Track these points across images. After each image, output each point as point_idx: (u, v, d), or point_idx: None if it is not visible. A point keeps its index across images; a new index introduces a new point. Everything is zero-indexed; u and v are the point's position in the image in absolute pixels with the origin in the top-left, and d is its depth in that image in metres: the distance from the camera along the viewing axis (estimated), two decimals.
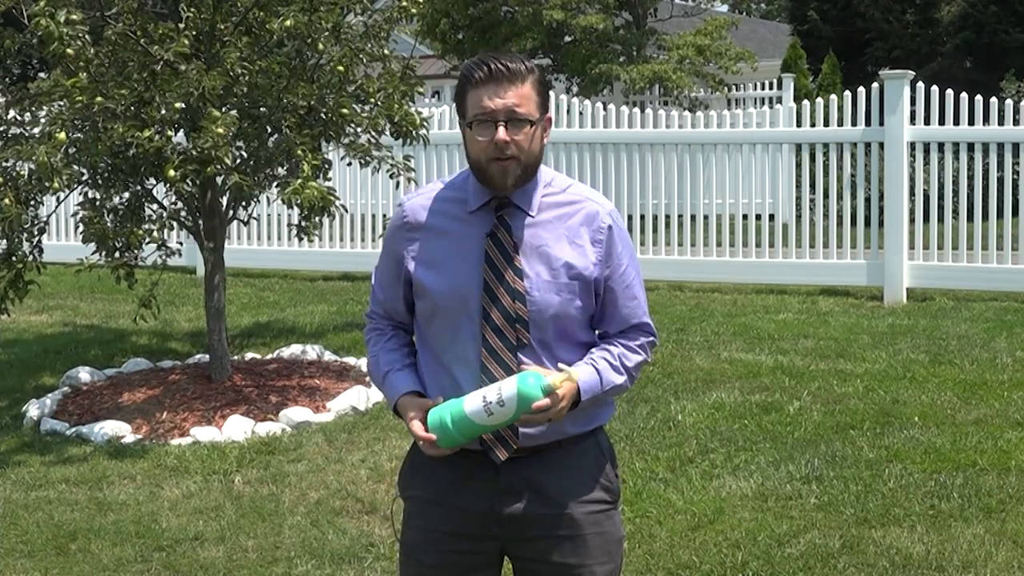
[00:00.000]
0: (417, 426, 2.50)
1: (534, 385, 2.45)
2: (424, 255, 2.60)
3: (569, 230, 2.59)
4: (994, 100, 9.84)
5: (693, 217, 10.58)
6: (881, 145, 10.06)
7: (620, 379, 2.61)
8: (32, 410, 6.74)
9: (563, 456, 2.60)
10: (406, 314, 2.70)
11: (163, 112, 6.01)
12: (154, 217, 6.59)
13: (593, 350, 2.63)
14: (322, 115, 6.58)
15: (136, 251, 6.29)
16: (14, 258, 6.30)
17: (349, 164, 7.18)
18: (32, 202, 6.33)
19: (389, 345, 2.70)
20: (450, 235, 2.59)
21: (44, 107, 6.52)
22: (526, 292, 2.54)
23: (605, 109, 11.01)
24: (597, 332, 2.68)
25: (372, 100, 6.87)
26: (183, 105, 5.96)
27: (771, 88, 19.66)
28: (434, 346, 2.61)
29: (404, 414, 2.57)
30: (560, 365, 2.53)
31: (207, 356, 7.25)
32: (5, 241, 6.28)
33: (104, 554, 4.75)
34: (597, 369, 2.58)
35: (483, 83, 2.50)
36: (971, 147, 9.77)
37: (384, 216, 8.32)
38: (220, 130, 5.85)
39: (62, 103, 6.22)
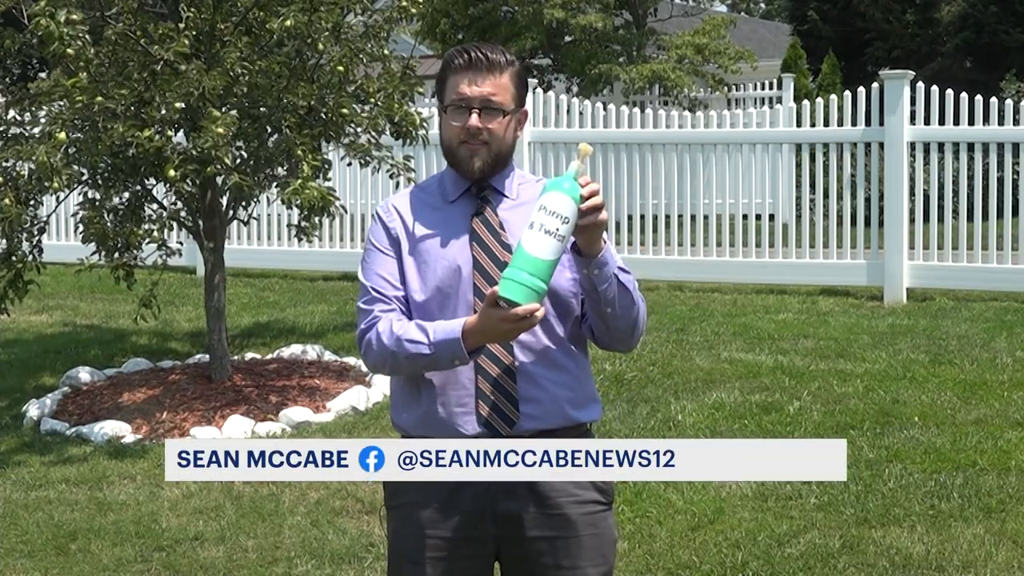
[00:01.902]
0: (511, 311, 2.37)
1: (570, 186, 2.39)
2: (411, 244, 2.62)
3: None
4: (994, 100, 9.84)
5: (693, 217, 10.57)
6: (881, 145, 10.06)
7: (629, 276, 2.58)
8: (32, 410, 6.74)
9: None
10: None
11: (163, 112, 6.00)
12: (154, 217, 6.59)
13: None
14: (322, 115, 6.58)
15: (136, 251, 6.30)
16: (14, 258, 6.30)
17: (349, 164, 7.18)
18: (32, 202, 6.33)
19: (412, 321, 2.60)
20: (434, 222, 2.63)
21: (44, 107, 6.52)
22: None
23: (605, 109, 11.01)
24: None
25: (372, 100, 6.87)
26: (183, 105, 5.96)
27: (771, 88, 19.65)
28: None
29: (482, 321, 2.43)
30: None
31: (207, 356, 7.25)
32: (5, 241, 6.29)
33: (104, 554, 4.75)
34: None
35: (462, 70, 2.60)
36: (971, 147, 9.77)
37: None
38: (220, 130, 5.85)
39: (62, 103, 6.22)
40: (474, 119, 2.56)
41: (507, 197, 2.65)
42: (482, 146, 2.58)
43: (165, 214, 6.60)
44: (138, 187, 6.51)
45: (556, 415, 2.58)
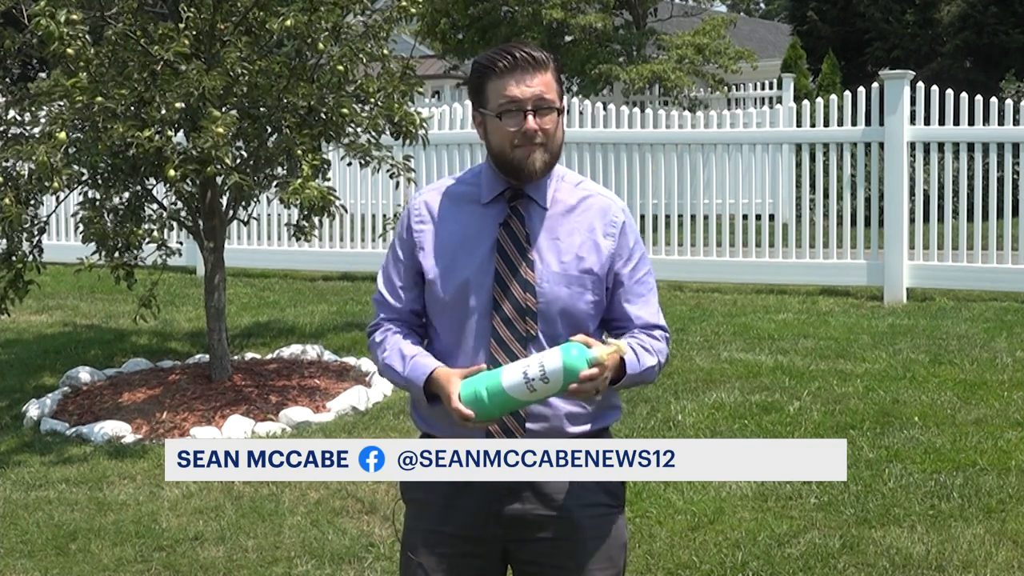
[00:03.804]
0: (456, 401, 2.43)
1: (579, 357, 2.39)
2: (436, 246, 2.58)
3: (582, 224, 2.59)
4: (994, 100, 9.84)
5: (693, 217, 10.58)
6: (881, 145, 10.06)
7: (652, 360, 2.59)
8: (32, 410, 6.74)
9: None
10: (423, 316, 2.65)
11: (163, 112, 6.00)
12: (154, 217, 6.59)
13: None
14: (322, 115, 6.58)
15: (136, 251, 6.30)
16: (14, 258, 6.30)
17: (349, 164, 7.18)
18: (32, 202, 6.33)
19: (410, 340, 2.63)
20: (462, 226, 2.58)
21: (44, 107, 6.52)
22: (536, 283, 2.53)
23: (605, 109, 11.01)
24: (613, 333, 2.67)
25: (372, 100, 6.87)
26: (183, 105, 5.95)
27: (771, 88, 19.66)
28: (444, 338, 2.60)
29: (442, 387, 2.48)
30: (608, 339, 2.49)
31: (207, 356, 7.25)
32: (5, 241, 6.29)
33: (104, 554, 4.75)
34: (632, 347, 2.56)
35: (508, 72, 2.50)
36: (971, 147, 9.77)
37: (384, 216, 8.30)
38: (220, 130, 5.85)
39: (62, 103, 6.22)
40: (531, 121, 2.49)
41: (540, 205, 2.58)
42: (538, 147, 2.51)
43: (165, 214, 6.60)
44: (138, 187, 6.51)
45: (559, 431, 2.56)
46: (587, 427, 2.59)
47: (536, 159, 2.52)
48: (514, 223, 2.56)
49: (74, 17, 5.90)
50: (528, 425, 2.53)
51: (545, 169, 2.55)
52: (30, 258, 6.39)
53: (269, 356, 7.79)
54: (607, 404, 2.64)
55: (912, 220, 10.52)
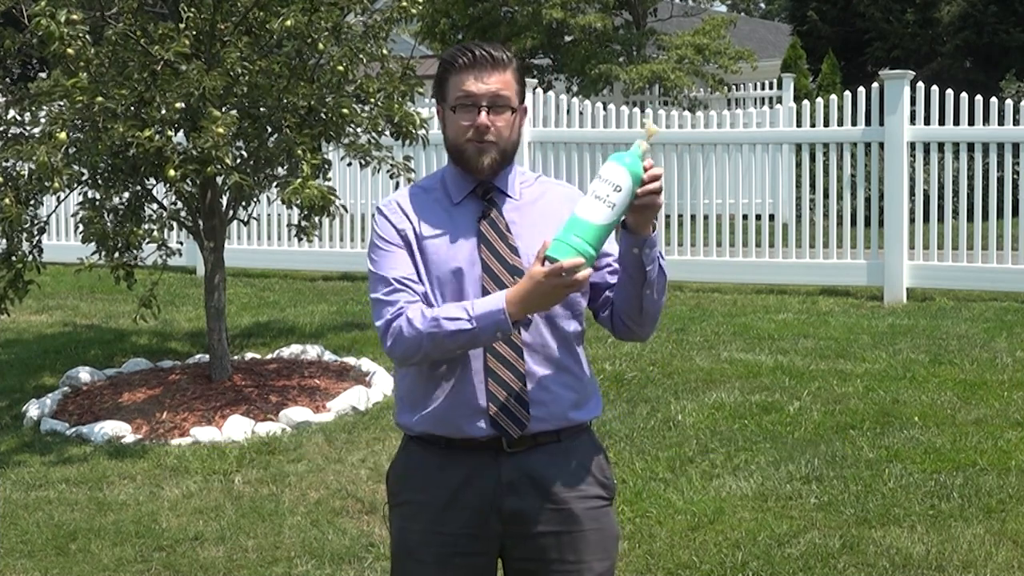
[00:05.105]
0: (556, 265, 2.38)
1: (632, 162, 2.44)
2: (419, 246, 2.60)
3: (551, 210, 2.65)
4: (994, 100, 9.84)
5: (693, 217, 10.58)
6: (881, 145, 10.05)
7: (663, 261, 2.61)
8: (32, 410, 6.74)
9: (562, 450, 2.61)
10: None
11: (163, 112, 6.00)
12: (154, 217, 6.59)
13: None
14: (322, 115, 6.58)
15: (136, 251, 6.30)
16: (14, 258, 6.30)
17: (349, 164, 7.18)
18: (32, 202, 6.33)
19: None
20: (439, 225, 2.61)
21: (44, 107, 6.52)
22: (525, 268, 2.56)
23: (605, 109, 11.01)
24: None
25: (372, 100, 6.87)
26: (183, 105, 5.96)
27: (771, 88, 19.66)
28: None
29: (525, 287, 2.43)
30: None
31: (207, 356, 7.25)
32: (5, 241, 6.29)
33: (104, 554, 4.75)
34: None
35: (467, 68, 2.57)
36: (971, 147, 9.77)
37: None
38: (220, 130, 5.85)
39: (62, 103, 6.22)
40: (483, 117, 2.55)
41: (511, 198, 2.65)
42: (490, 144, 2.57)
43: (165, 214, 6.60)
44: (138, 187, 6.51)
45: (559, 417, 2.60)
46: (582, 412, 2.63)
47: (486, 156, 2.58)
48: (493, 214, 2.62)
49: (74, 17, 5.90)
50: (533, 412, 2.55)
51: (493, 167, 2.60)
52: (30, 258, 6.39)
53: (269, 356, 7.79)
54: (590, 392, 2.67)
55: (912, 220, 10.52)
